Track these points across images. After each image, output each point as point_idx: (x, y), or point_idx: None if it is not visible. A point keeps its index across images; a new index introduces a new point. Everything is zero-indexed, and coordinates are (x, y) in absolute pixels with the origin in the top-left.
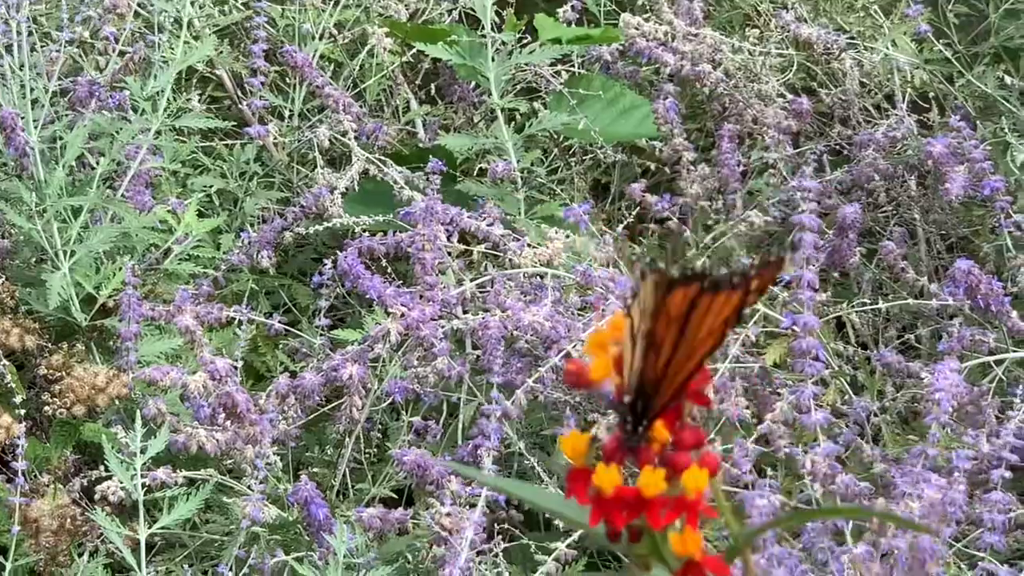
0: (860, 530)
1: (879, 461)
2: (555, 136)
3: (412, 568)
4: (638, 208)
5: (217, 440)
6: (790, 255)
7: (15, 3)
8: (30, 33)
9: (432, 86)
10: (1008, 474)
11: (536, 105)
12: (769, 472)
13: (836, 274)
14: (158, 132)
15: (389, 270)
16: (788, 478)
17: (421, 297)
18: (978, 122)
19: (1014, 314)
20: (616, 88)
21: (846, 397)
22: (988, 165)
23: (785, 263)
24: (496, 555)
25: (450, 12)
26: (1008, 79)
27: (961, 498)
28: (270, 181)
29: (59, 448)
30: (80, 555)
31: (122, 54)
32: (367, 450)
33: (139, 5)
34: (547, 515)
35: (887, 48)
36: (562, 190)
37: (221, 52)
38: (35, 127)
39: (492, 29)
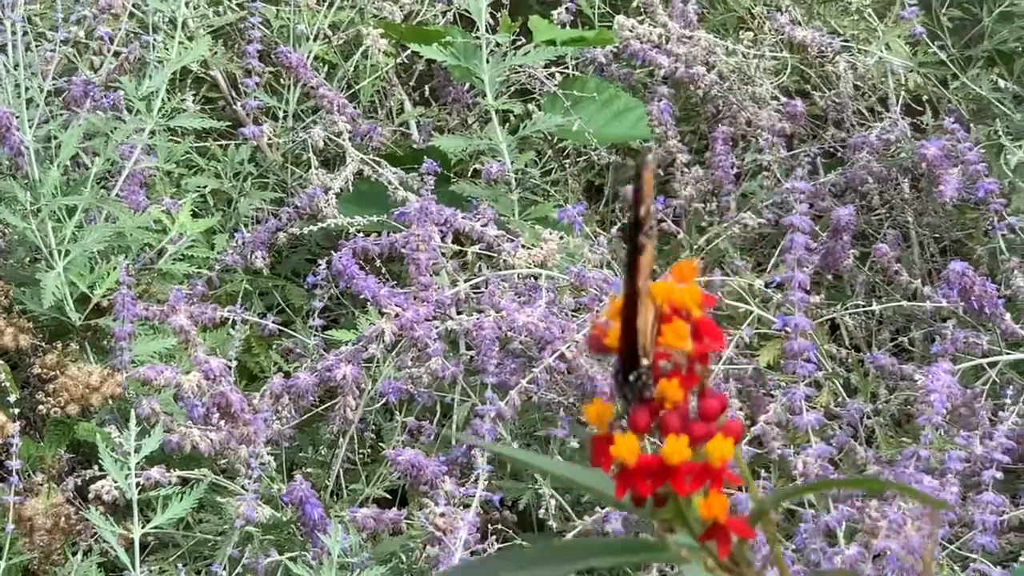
0: (852, 531)
1: (872, 463)
2: (549, 138)
3: (406, 568)
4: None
5: (211, 440)
6: (650, 158)
7: (10, 3)
8: (25, 33)
9: (426, 87)
10: (1000, 476)
11: (530, 107)
12: (763, 473)
13: (830, 276)
14: (152, 132)
15: (383, 271)
16: (781, 479)
17: (415, 298)
18: (972, 125)
19: (1007, 317)
20: (610, 90)
21: (839, 399)
22: (982, 168)
23: (646, 159)
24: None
25: (444, 14)
26: (1002, 82)
27: (954, 499)
28: (264, 181)
29: (53, 447)
30: (74, 554)
31: (117, 54)
32: (361, 450)
33: (134, 5)
34: (540, 515)
35: (881, 51)
36: (556, 191)
37: (215, 53)
38: (30, 126)
39: (487, 31)
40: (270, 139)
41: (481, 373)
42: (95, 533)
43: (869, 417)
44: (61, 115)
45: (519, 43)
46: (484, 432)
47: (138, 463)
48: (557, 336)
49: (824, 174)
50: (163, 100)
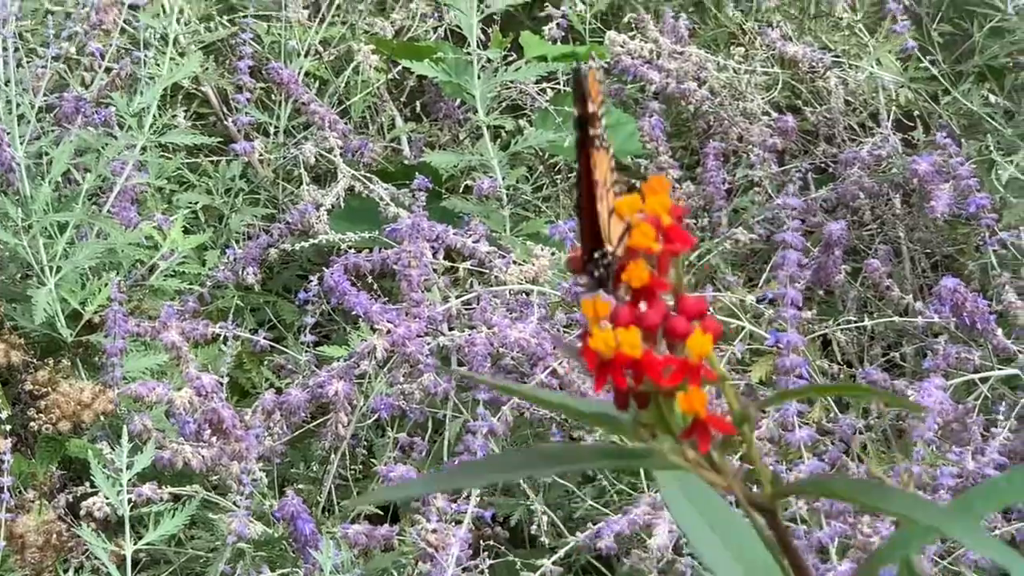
0: (845, 547)
1: (864, 478)
2: (540, 153)
3: None
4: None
5: (203, 456)
6: (587, 66)
7: (1, 19)
8: (16, 49)
9: (417, 103)
10: None
11: (521, 122)
12: (754, 489)
13: (821, 292)
14: (144, 148)
15: (375, 287)
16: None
17: (407, 314)
18: (963, 140)
19: (999, 332)
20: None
21: (831, 414)
22: (973, 183)
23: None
24: (482, 572)
25: (435, 29)
26: (993, 97)
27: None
28: (255, 198)
29: (45, 464)
30: (66, 571)
31: (108, 70)
32: (352, 466)
33: (125, 21)
34: (532, 531)
35: (872, 66)
36: (547, 207)
37: (207, 69)
38: (21, 143)
39: (478, 46)
40: (261, 155)
41: (473, 389)
42: (87, 550)
43: (861, 432)
44: (52, 131)
45: (510, 59)
46: (476, 448)
47: (130, 480)
48: (549, 352)
49: (815, 189)
50: (154, 116)
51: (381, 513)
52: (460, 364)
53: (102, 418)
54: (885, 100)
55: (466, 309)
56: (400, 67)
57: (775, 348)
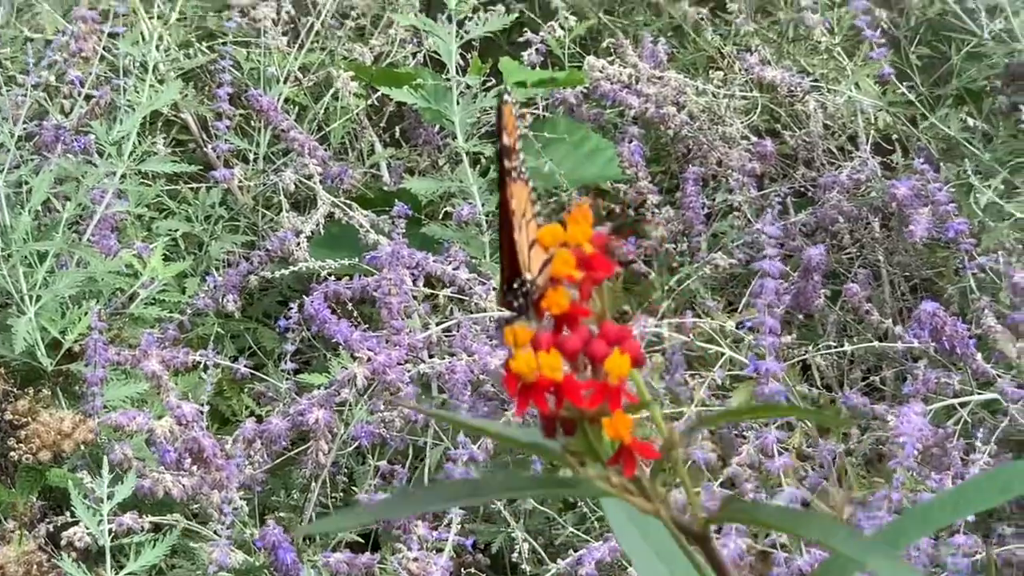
0: None
1: (846, 504)
2: None
3: None
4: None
5: (184, 485)
6: (507, 97)
7: None
8: None
9: (396, 129)
10: (972, 517)
11: None
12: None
13: (801, 316)
14: (123, 176)
15: (355, 314)
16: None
17: (387, 341)
18: (941, 164)
19: (979, 356)
20: (581, 131)
21: (811, 440)
22: (952, 207)
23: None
24: None
25: (414, 55)
26: (971, 121)
27: (926, 541)
28: (235, 225)
29: (25, 494)
30: None
31: (88, 98)
32: (333, 494)
33: (104, 49)
34: (513, 558)
35: (850, 90)
36: None
37: (186, 96)
38: (1, 171)
39: (457, 72)
40: (241, 182)
41: None
42: None
43: (841, 458)
44: (32, 160)
45: (489, 85)
46: (457, 475)
47: (111, 509)
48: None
49: (794, 213)
50: (134, 144)
51: (362, 541)
52: (440, 391)
53: (82, 447)
54: (864, 124)
55: (446, 336)
56: (379, 93)
57: (755, 375)
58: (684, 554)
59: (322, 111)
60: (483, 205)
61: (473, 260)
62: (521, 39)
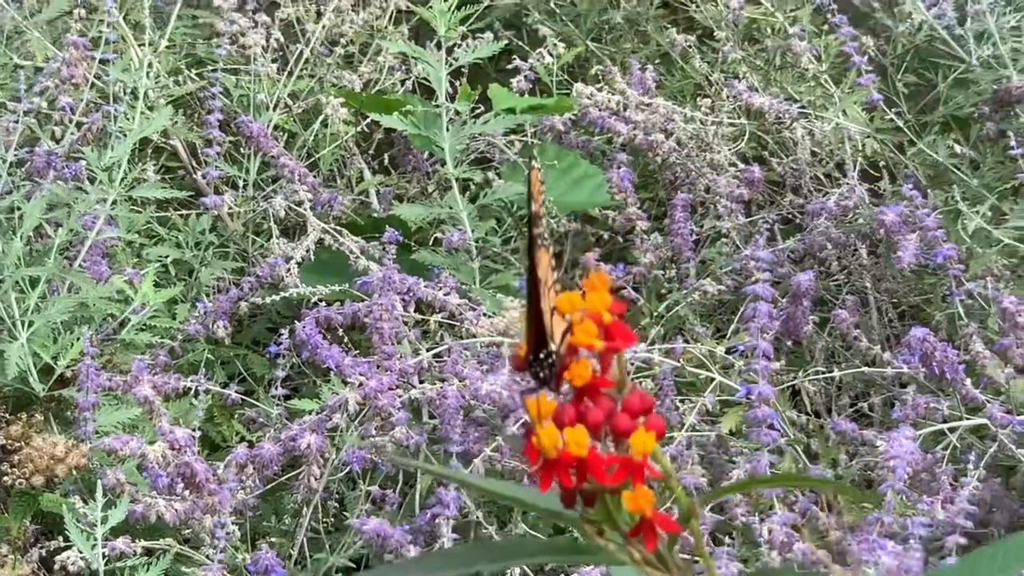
0: None
1: (835, 529)
2: (509, 206)
3: None
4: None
5: (176, 510)
6: (535, 164)
7: None
8: None
9: (386, 156)
10: (963, 540)
11: (490, 175)
12: (726, 540)
13: (789, 342)
14: (114, 202)
15: (345, 340)
16: (745, 546)
17: (379, 367)
18: (929, 190)
19: (967, 382)
20: (569, 158)
21: (801, 465)
22: (940, 233)
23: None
24: None
25: (403, 82)
26: (958, 147)
27: (917, 565)
28: (225, 251)
29: (18, 518)
30: None
31: (79, 125)
32: (324, 519)
33: (95, 76)
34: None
35: (838, 117)
36: (517, 260)
37: (176, 122)
38: None
39: (446, 99)
40: (231, 208)
41: (445, 441)
42: None
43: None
44: (24, 186)
45: (478, 111)
46: (449, 501)
47: (104, 534)
48: (520, 405)
49: (782, 240)
50: (125, 170)
51: (353, 566)
52: (431, 417)
53: (75, 472)
54: (851, 151)
55: (437, 362)
56: (368, 120)
57: (745, 399)
58: None
59: (311, 138)
60: (472, 231)
61: (463, 286)
62: (510, 66)
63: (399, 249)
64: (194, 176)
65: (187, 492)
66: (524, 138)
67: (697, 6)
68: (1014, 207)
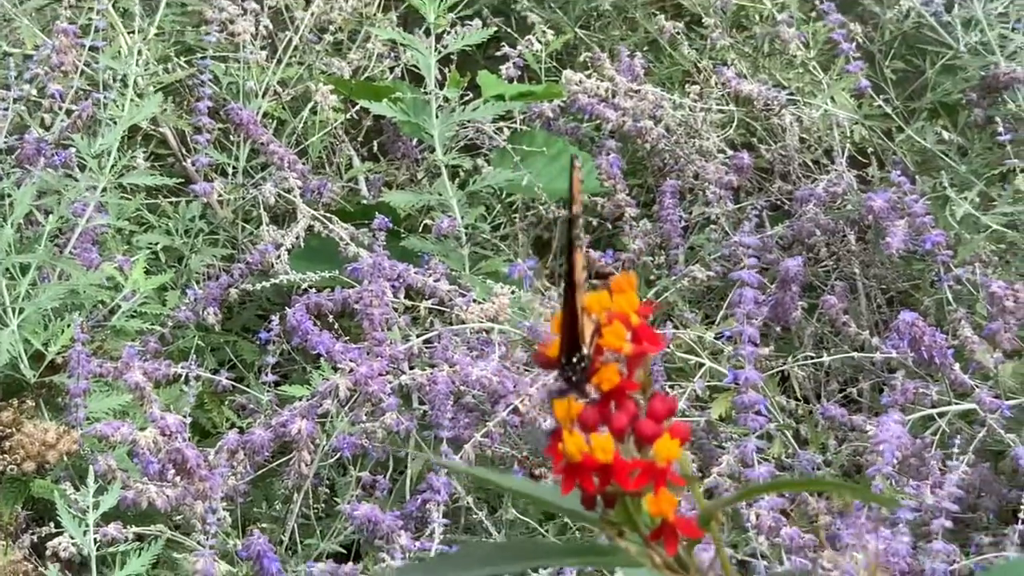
0: None
1: (823, 513)
2: (498, 192)
3: None
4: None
5: (167, 496)
6: (577, 162)
7: None
8: None
9: (375, 143)
10: (950, 525)
11: (479, 162)
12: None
13: (778, 328)
14: (104, 189)
15: (336, 326)
16: (734, 531)
17: (369, 353)
18: (917, 176)
19: (956, 367)
20: (558, 144)
21: (790, 450)
22: (928, 219)
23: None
24: None
25: (392, 69)
26: (946, 134)
27: (905, 549)
28: (215, 238)
29: (9, 504)
30: None
31: (69, 112)
32: (315, 505)
33: (84, 63)
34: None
35: (826, 104)
36: (506, 246)
37: (165, 110)
38: None
39: (435, 86)
40: (220, 195)
41: (435, 427)
42: None
43: (820, 468)
44: (14, 173)
45: (467, 98)
46: (439, 486)
47: (95, 520)
48: (510, 390)
49: (771, 227)
50: (115, 158)
51: (344, 552)
52: (421, 403)
53: (66, 458)
54: (839, 137)
55: (427, 348)
56: (357, 107)
57: (734, 385)
58: None
59: (301, 125)
60: (462, 218)
61: (453, 272)
62: (498, 53)
63: (389, 236)
64: (184, 163)
65: (178, 478)
66: (513, 125)
67: None
68: (1002, 193)
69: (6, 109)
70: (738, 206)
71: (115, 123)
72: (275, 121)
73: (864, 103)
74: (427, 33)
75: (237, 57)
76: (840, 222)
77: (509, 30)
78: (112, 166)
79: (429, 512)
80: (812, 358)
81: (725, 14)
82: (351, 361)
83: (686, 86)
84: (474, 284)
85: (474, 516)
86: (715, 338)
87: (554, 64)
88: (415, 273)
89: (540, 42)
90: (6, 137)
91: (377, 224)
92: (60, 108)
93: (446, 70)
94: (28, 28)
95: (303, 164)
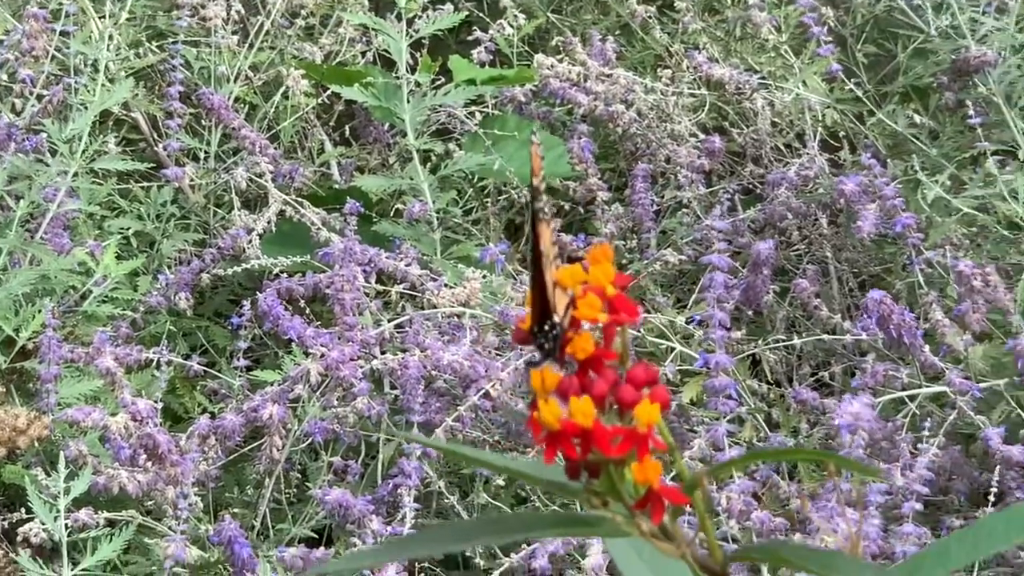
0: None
1: (795, 497)
2: (470, 177)
3: None
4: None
5: (139, 481)
6: (535, 138)
7: None
8: None
9: (347, 127)
10: (921, 507)
11: (451, 146)
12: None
13: (750, 312)
14: (75, 174)
15: (307, 311)
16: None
17: (340, 338)
18: (889, 160)
19: (927, 348)
20: (530, 129)
21: (761, 434)
22: (899, 202)
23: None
24: None
25: (364, 54)
26: (917, 117)
27: (875, 532)
28: (187, 223)
29: None
30: None
31: (40, 97)
32: (287, 490)
33: (56, 48)
34: (466, 552)
35: (798, 88)
36: (478, 230)
37: (137, 95)
38: None
39: (407, 71)
40: (192, 180)
41: (406, 412)
42: None
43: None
44: None
45: (439, 83)
46: (410, 471)
47: (66, 505)
48: (482, 375)
49: (743, 210)
50: (86, 143)
51: (316, 536)
52: (393, 388)
53: (37, 444)
54: (811, 121)
55: (399, 332)
56: (329, 92)
57: (705, 369)
58: None
59: (272, 110)
60: (433, 202)
61: (424, 257)
62: (470, 37)
63: (360, 220)
64: (155, 148)
65: (149, 464)
66: (485, 109)
67: None
68: (973, 176)
69: None
70: (710, 190)
71: (86, 108)
72: (247, 106)
73: (836, 87)
74: (399, 18)
75: (209, 42)
76: (812, 206)
77: (481, 14)
78: (83, 151)
79: (401, 496)
80: (784, 342)
81: None
82: (323, 346)
83: (658, 70)
84: (446, 268)
85: (446, 500)
86: (686, 322)
87: (526, 48)
88: (386, 258)
89: (512, 26)
90: None
91: (349, 209)
92: (31, 93)
93: (418, 55)
94: None
95: (275, 149)
